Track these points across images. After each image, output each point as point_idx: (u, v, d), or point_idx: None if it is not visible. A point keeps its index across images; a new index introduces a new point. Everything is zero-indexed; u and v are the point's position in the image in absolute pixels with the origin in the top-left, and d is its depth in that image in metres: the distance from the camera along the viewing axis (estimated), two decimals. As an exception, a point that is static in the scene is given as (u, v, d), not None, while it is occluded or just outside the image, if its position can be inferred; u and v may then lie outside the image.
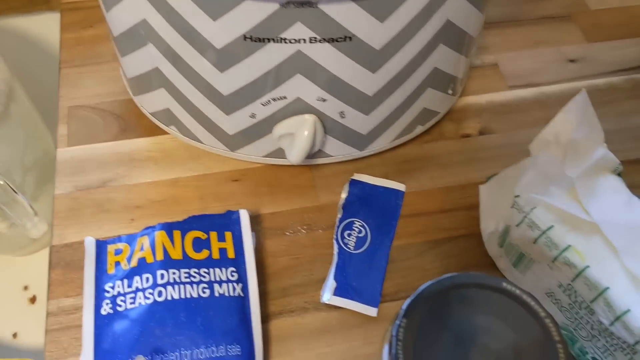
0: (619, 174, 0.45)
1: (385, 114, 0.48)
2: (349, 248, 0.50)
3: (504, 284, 0.33)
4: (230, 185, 0.54)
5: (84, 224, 0.51)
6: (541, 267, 0.44)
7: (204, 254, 0.45)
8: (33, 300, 1.01)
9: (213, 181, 0.54)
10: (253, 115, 0.46)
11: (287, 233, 0.51)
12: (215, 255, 0.45)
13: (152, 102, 0.52)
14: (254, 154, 0.51)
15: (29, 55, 0.96)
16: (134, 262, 0.44)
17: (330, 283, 0.48)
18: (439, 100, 0.52)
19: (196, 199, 0.53)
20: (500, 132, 0.58)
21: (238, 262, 0.46)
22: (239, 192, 0.53)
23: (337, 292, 0.48)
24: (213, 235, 0.46)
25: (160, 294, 0.43)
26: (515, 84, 0.61)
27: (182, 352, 0.41)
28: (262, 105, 0.45)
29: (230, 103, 0.46)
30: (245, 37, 0.41)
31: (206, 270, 0.44)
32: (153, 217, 0.51)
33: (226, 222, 0.47)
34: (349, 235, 0.51)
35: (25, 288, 1.02)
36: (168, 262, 0.44)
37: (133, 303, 0.43)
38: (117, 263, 0.45)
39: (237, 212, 0.48)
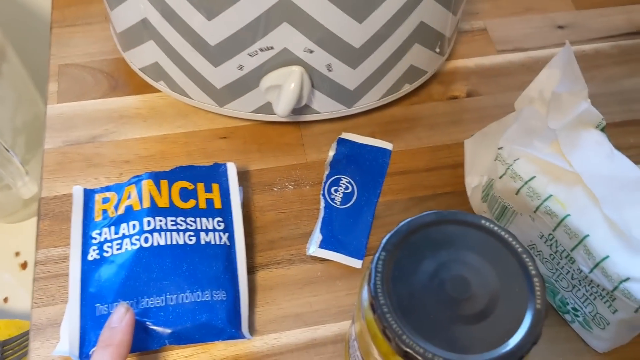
0: (602, 129, 0.46)
1: (372, 69, 0.49)
2: (335, 203, 0.51)
3: (483, 221, 0.34)
4: (219, 142, 0.54)
5: (73, 178, 0.51)
6: (523, 219, 0.45)
7: (190, 204, 0.46)
8: (24, 266, 1.02)
9: (201, 138, 0.54)
10: (241, 67, 0.47)
11: (275, 189, 0.52)
12: (202, 205, 0.46)
13: (141, 57, 0.52)
14: (242, 109, 0.51)
15: (20, 16, 0.96)
16: (121, 210, 0.45)
17: (317, 236, 0.49)
18: (427, 58, 0.52)
19: (184, 155, 0.53)
20: (488, 94, 0.58)
21: (225, 213, 0.46)
22: (227, 149, 0.54)
23: (323, 245, 0.48)
24: (200, 186, 0.47)
25: (146, 240, 0.43)
26: (504, 48, 0.61)
27: (167, 296, 0.42)
28: (250, 56, 0.46)
29: (217, 54, 0.46)
30: (232, -16, 0.41)
31: (192, 219, 0.45)
32: (141, 172, 0.51)
33: (214, 174, 0.48)
34: (336, 191, 0.51)
35: (17, 254, 1.03)
36: (155, 210, 0.44)
37: (120, 249, 0.43)
38: (105, 211, 0.45)
39: (224, 165, 0.48)
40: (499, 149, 0.45)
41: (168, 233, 0.44)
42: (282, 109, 0.47)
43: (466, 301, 0.32)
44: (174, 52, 0.48)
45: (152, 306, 0.41)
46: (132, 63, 0.54)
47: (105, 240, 0.44)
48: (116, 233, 0.44)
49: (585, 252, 0.41)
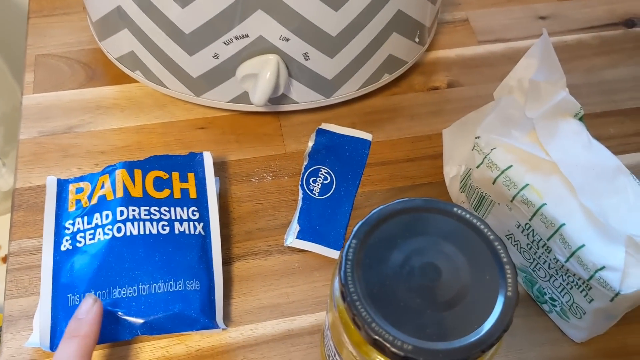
0: (580, 119, 0.46)
1: (350, 58, 0.48)
2: (313, 194, 0.50)
3: (455, 209, 0.34)
4: (196, 133, 0.53)
5: (48, 168, 0.51)
6: (501, 208, 0.44)
7: (165, 193, 0.45)
8: (4, 259, 1.01)
9: (179, 128, 0.54)
10: (216, 56, 0.46)
11: (253, 179, 0.51)
12: (177, 194, 0.45)
13: (117, 46, 0.51)
14: (219, 99, 0.51)
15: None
16: (94, 200, 0.44)
17: (294, 226, 0.48)
18: (406, 48, 0.52)
19: (161, 145, 0.53)
20: (469, 85, 0.58)
21: (200, 202, 0.46)
22: (205, 140, 0.53)
23: (301, 235, 0.48)
24: (175, 175, 0.46)
25: (119, 229, 0.42)
26: (485, 39, 0.61)
27: (140, 286, 0.41)
28: (225, 44, 0.45)
29: (192, 42, 0.46)
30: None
31: (167, 208, 0.44)
32: (117, 162, 0.51)
33: (189, 163, 0.47)
34: (314, 181, 0.51)
35: (-3, 248, 1.02)
36: (128, 200, 0.44)
37: (92, 239, 0.43)
38: (78, 201, 0.45)
39: (200, 154, 0.48)
40: (476, 138, 0.45)
41: (141, 223, 0.43)
42: (258, 98, 0.47)
43: (437, 288, 0.31)
44: (148, 41, 0.47)
45: (124, 296, 0.41)
46: (109, 53, 0.53)
47: (79, 231, 0.43)
48: (89, 223, 0.43)
49: (562, 241, 0.40)
